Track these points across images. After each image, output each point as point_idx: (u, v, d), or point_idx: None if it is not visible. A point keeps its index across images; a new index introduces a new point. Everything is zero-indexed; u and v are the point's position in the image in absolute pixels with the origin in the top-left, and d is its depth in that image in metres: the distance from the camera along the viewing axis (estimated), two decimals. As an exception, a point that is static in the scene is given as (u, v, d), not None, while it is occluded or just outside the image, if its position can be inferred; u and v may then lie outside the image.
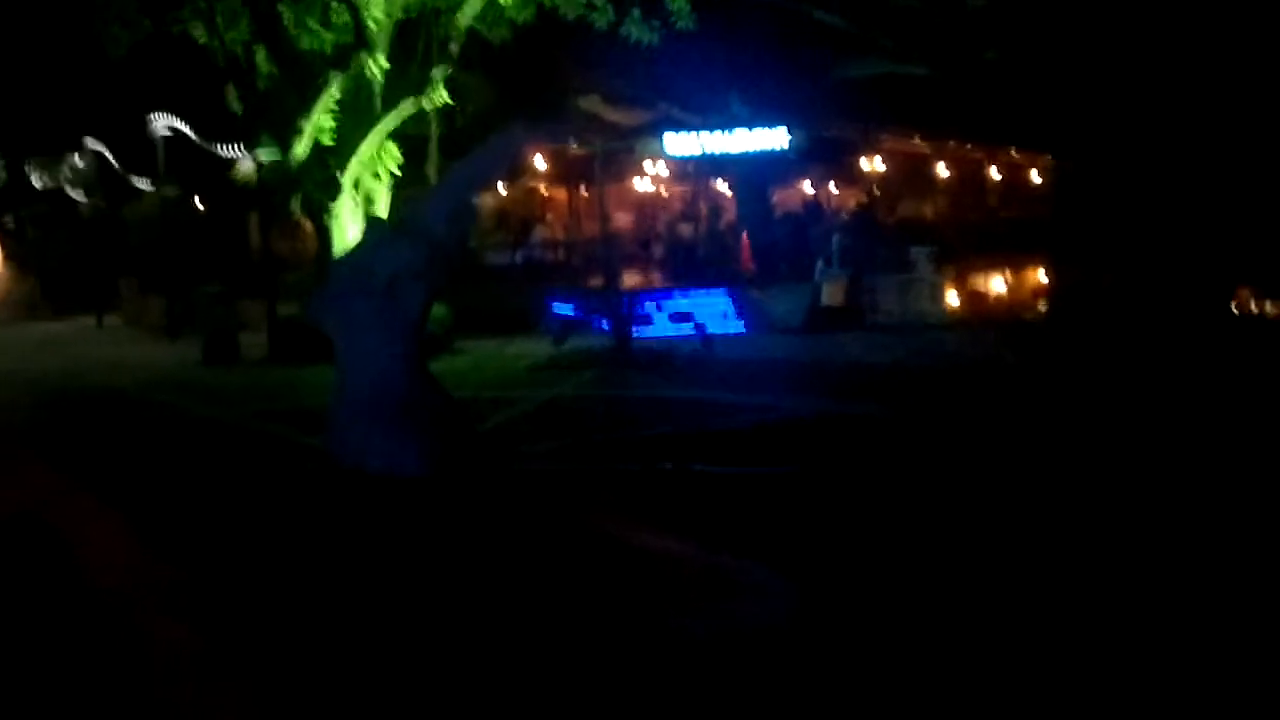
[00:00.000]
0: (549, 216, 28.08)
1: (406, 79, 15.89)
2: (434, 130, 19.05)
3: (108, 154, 29.38)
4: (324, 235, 16.79)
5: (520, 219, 27.22)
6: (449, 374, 10.05)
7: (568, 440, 9.78)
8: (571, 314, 17.94)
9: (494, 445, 9.61)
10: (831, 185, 27.70)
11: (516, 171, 23.70)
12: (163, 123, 27.69)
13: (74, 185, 29.89)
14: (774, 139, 21.56)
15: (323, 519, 7.35)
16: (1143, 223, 17.35)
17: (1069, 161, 19.73)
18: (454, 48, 15.67)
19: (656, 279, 22.92)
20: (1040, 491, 7.45)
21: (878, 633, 4.90)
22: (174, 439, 10.76)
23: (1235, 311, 18.37)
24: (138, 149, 28.71)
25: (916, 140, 26.02)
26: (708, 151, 22.31)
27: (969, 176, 29.10)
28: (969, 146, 27.50)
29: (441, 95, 15.67)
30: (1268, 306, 19.22)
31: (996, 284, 24.91)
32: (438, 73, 15.81)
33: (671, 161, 24.57)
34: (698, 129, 21.88)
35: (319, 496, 8.02)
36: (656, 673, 4.49)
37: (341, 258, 9.93)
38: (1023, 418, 10.15)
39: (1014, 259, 24.67)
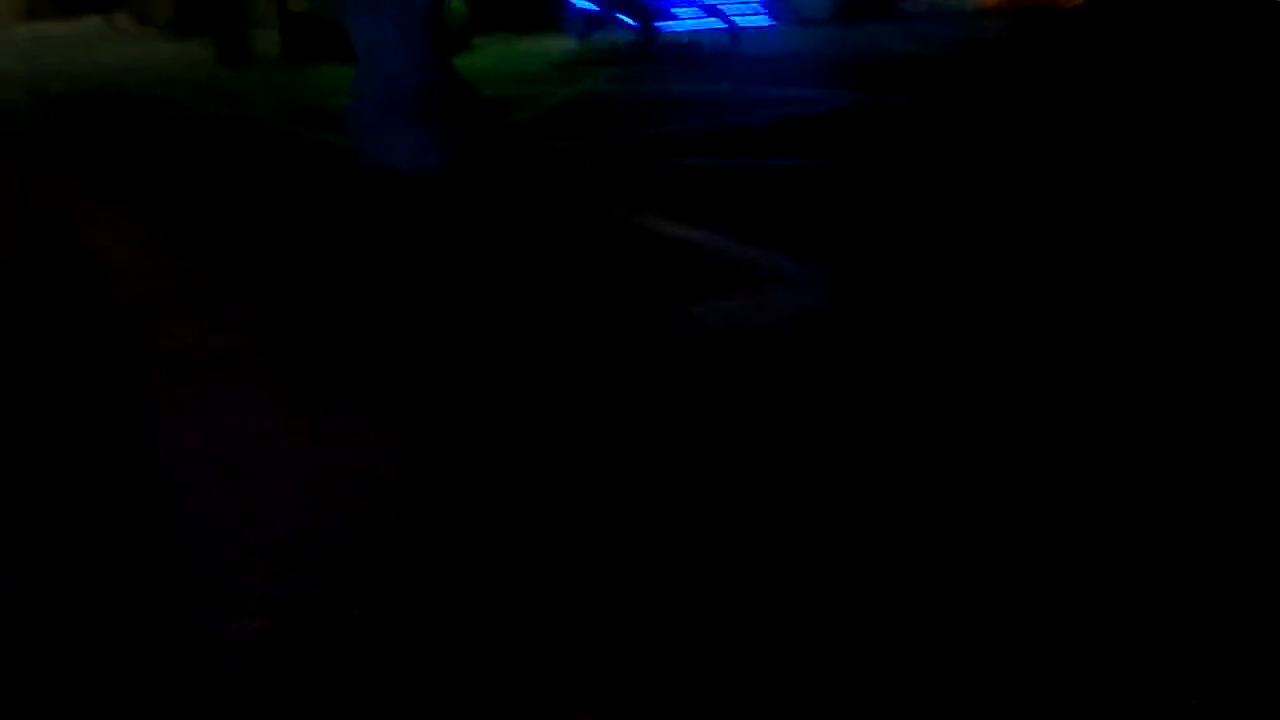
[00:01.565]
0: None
1: None
2: None
3: None
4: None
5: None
6: (468, 70, 9.67)
7: (592, 138, 9.50)
8: (594, 8, 17.27)
9: (518, 142, 9.38)
10: None
11: None
12: None
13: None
14: None
15: (343, 217, 7.21)
16: None
17: None
18: None
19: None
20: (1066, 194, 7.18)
21: (900, 326, 4.77)
22: (190, 140, 10.51)
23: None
24: None
25: None
26: None
27: None
28: None
29: None
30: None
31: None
32: None
33: None
34: None
35: (339, 194, 7.86)
36: (665, 360, 4.41)
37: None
38: (1055, 115, 9.67)
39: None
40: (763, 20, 18.62)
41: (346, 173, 8.34)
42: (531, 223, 6.76)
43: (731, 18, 16.99)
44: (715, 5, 17.77)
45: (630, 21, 16.18)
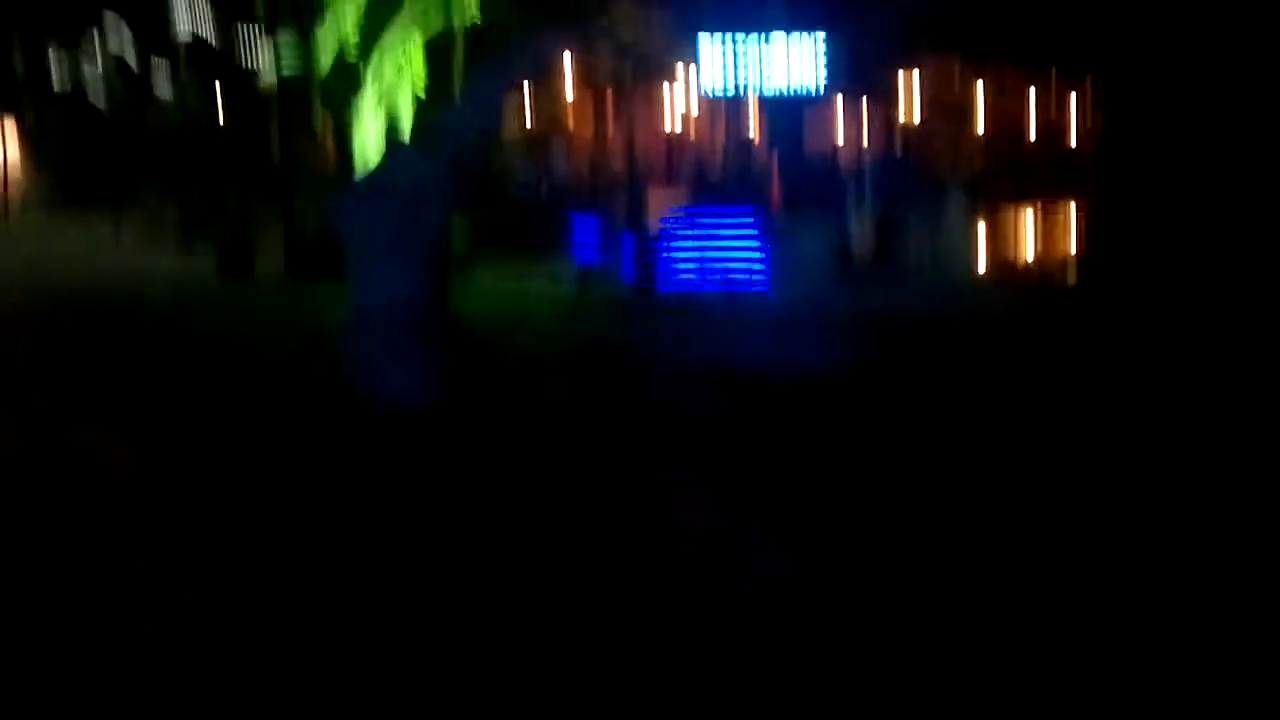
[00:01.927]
0: (575, 134, 27.33)
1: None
2: (460, 38, 18.27)
3: (129, 55, 28.78)
4: (344, 142, 16.17)
5: (545, 136, 26.49)
6: (466, 299, 9.55)
7: (577, 384, 9.27)
8: (596, 242, 17.37)
9: (508, 379, 9.13)
10: (866, 113, 26.79)
11: (542, 85, 22.95)
12: (186, 25, 26.98)
13: (95, 86, 29.37)
14: (810, 52, 20.62)
15: (323, 448, 6.89)
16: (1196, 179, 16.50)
17: (1119, 87, 18.78)
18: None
19: (683, 210, 22.23)
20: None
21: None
22: (182, 357, 10.28)
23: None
24: (160, 52, 28.07)
25: (958, 66, 24.99)
26: (742, 74, 21.48)
27: (1014, 108, 28.10)
28: (1025, 75, 26.37)
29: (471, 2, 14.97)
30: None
31: (1034, 228, 24.08)
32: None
33: (704, 78, 23.74)
34: (735, 39, 20.89)
35: (323, 425, 7.55)
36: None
37: (362, 168, 9.46)
38: (1047, 388, 9.47)
39: (1055, 201, 23.78)
40: (764, 267, 18.61)
41: (331, 402, 8.04)
42: (494, 471, 6.47)
43: (733, 267, 16.95)
44: (717, 252, 17.79)
45: (630, 257, 16.26)
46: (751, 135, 24.36)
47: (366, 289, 8.24)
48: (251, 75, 25.28)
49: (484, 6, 13.61)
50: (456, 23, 14.74)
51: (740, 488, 6.29)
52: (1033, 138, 28.48)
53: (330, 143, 19.62)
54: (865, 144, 25.02)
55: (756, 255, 18.68)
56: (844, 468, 6.80)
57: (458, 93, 9.95)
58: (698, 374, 9.59)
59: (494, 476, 6.38)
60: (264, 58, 21.82)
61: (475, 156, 8.51)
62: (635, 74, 22.57)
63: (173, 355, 10.49)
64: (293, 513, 5.74)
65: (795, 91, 21.91)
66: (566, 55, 21.06)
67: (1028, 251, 21.97)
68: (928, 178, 20.82)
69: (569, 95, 26.33)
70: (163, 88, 28.60)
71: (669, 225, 19.27)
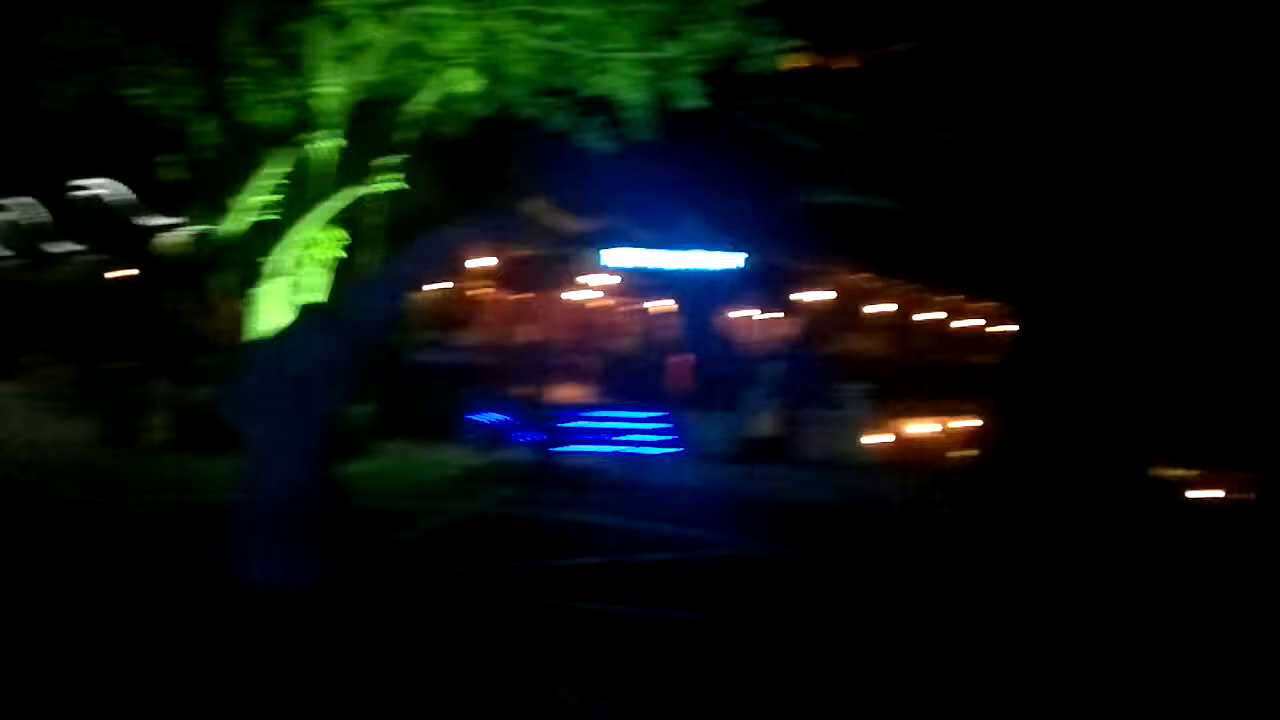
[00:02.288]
0: (483, 319, 27.34)
1: (354, 164, 15.13)
2: (375, 219, 18.25)
3: (28, 213, 28.34)
4: (245, 318, 15.87)
5: (452, 320, 26.44)
6: (363, 478, 9.26)
7: (474, 564, 8.99)
8: (498, 423, 17.17)
9: (400, 563, 8.80)
10: (775, 312, 27.35)
11: (452, 271, 22.97)
12: (88, 187, 26.72)
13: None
14: (725, 261, 21.21)
15: (199, 633, 6.46)
16: (1081, 384, 17.35)
17: (1022, 311, 19.59)
18: (407, 136, 15.01)
19: (588, 393, 22.22)
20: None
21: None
22: (53, 531, 9.74)
23: (1155, 478, 18.11)
24: (58, 211, 27.67)
25: (866, 275, 25.79)
26: (653, 268, 21.86)
27: (913, 316, 28.95)
28: (919, 286, 27.35)
29: (386, 184, 14.97)
30: (1183, 474, 19.02)
31: (928, 428, 24.56)
32: (386, 161, 15.08)
33: (615, 273, 24.06)
34: (647, 244, 21.43)
35: (197, 609, 7.11)
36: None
37: (261, 344, 9.18)
38: (938, 570, 9.77)
39: (949, 404, 24.33)
40: (666, 451, 18.65)
41: (207, 585, 7.61)
42: (379, 660, 6.14)
43: (634, 446, 16.98)
44: (619, 432, 17.79)
45: (533, 439, 16.08)
46: (662, 328, 24.67)
47: (255, 468, 7.91)
48: (152, 243, 24.93)
49: (399, 196, 13.61)
50: (370, 208, 14.71)
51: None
52: (934, 346, 29.43)
53: (229, 318, 19.31)
54: (775, 342, 25.48)
55: (660, 438, 18.70)
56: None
57: (366, 277, 9.83)
58: (580, 557, 9.47)
59: (343, 664, 6.05)
60: (170, 226, 21.56)
61: (378, 340, 8.30)
62: (550, 264, 22.81)
63: (47, 523, 9.97)
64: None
65: (709, 291, 22.40)
66: (481, 244, 21.12)
67: (920, 447, 22.37)
68: (833, 376, 21.27)
69: (482, 281, 26.51)
70: (58, 248, 28.19)
71: (577, 406, 19.25)
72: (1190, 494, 17.02)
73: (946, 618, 8.04)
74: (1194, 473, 17.59)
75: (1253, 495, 16.55)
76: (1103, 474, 16.33)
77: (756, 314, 26.50)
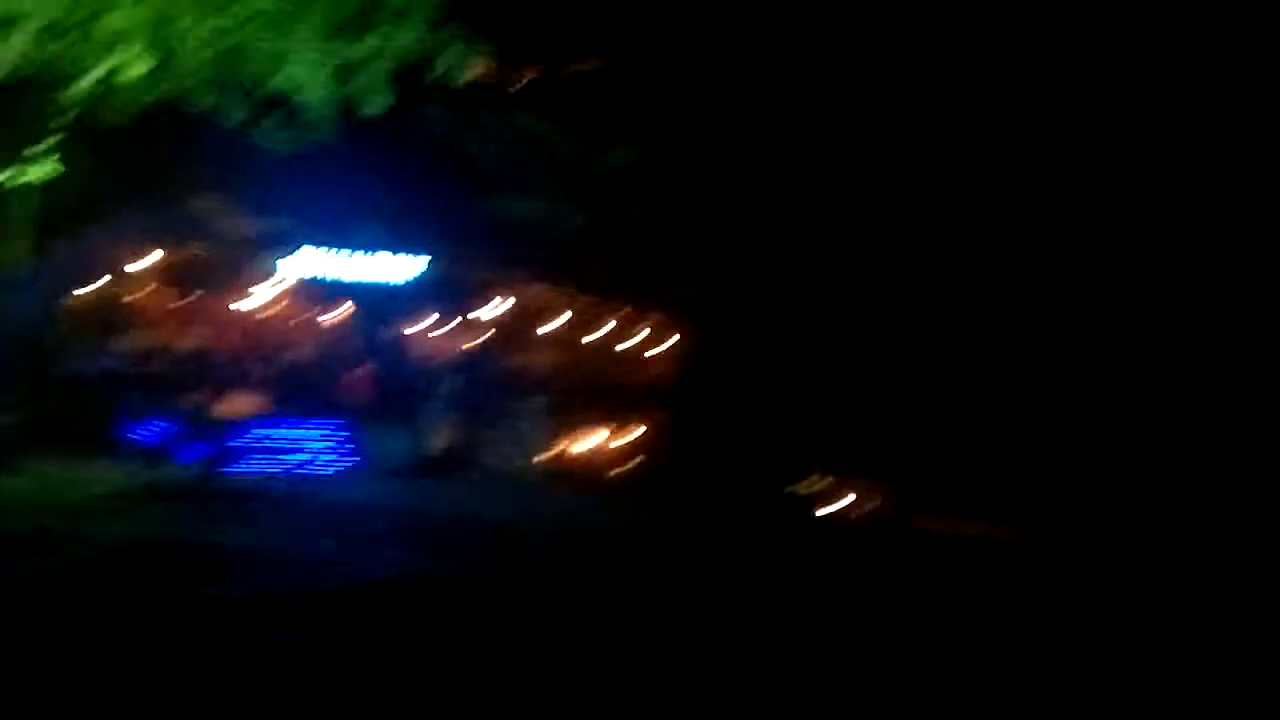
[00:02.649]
0: (146, 324, 25.68)
1: (6, 147, 13.86)
2: (24, 210, 16.82)
3: None
4: None
5: (112, 324, 24.70)
6: (6, 497, 8.38)
7: (121, 595, 8.35)
8: (161, 437, 16.16)
9: (40, 594, 8.03)
10: (456, 323, 27.06)
11: (113, 270, 21.48)
12: None
13: None
14: (408, 269, 20.84)
15: None
16: (737, 398, 18.15)
17: (688, 326, 20.28)
18: (63, 121, 13.88)
19: (260, 405, 21.27)
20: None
21: None
22: None
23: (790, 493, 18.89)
24: None
25: (545, 287, 25.85)
26: (331, 274, 21.19)
27: (590, 329, 29.25)
28: (596, 299, 27.65)
29: (38, 171, 13.80)
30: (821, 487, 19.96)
31: (600, 442, 24.96)
32: (42, 146, 13.90)
33: (291, 279, 23.12)
34: (326, 248, 20.76)
35: None
36: None
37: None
38: (590, 589, 9.91)
39: (622, 418, 24.79)
40: (342, 465, 18.07)
41: None
42: None
43: (308, 461, 16.39)
44: (292, 446, 17.13)
45: (198, 453, 15.26)
46: (340, 337, 23.89)
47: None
48: None
49: (54, 186, 12.42)
50: (19, 197, 13.34)
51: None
52: (611, 358, 29.88)
53: None
54: (455, 354, 25.16)
55: (336, 452, 18.13)
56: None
57: (13, 273, 8.96)
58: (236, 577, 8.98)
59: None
60: None
61: (26, 342, 7.53)
62: (221, 267, 21.65)
63: None
64: None
65: (389, 300, 21.89)
66: (146, 242, 19.84)
67: (591, 461, 22.74)
68: (510, 387, 21.32)
69: (147, 282, 24.88)
70: None
71: (247, 419, 18.36)
72: (824, 508, 17.94)
73: (584, 639, 8.09)
74: (829, 483, 18.59)
75: (885, 505, 17.61)
76: (742, 489, 17.11)
77: (436, 325, 26.18)
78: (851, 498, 17.85)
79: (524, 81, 18.19)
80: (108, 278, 22.56)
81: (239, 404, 20.26)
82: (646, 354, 28.40)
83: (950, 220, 17.99)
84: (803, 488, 18.81)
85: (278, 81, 10.75)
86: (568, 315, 27.60)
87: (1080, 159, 17.94)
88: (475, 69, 13.29)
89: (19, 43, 10.02)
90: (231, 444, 16.09)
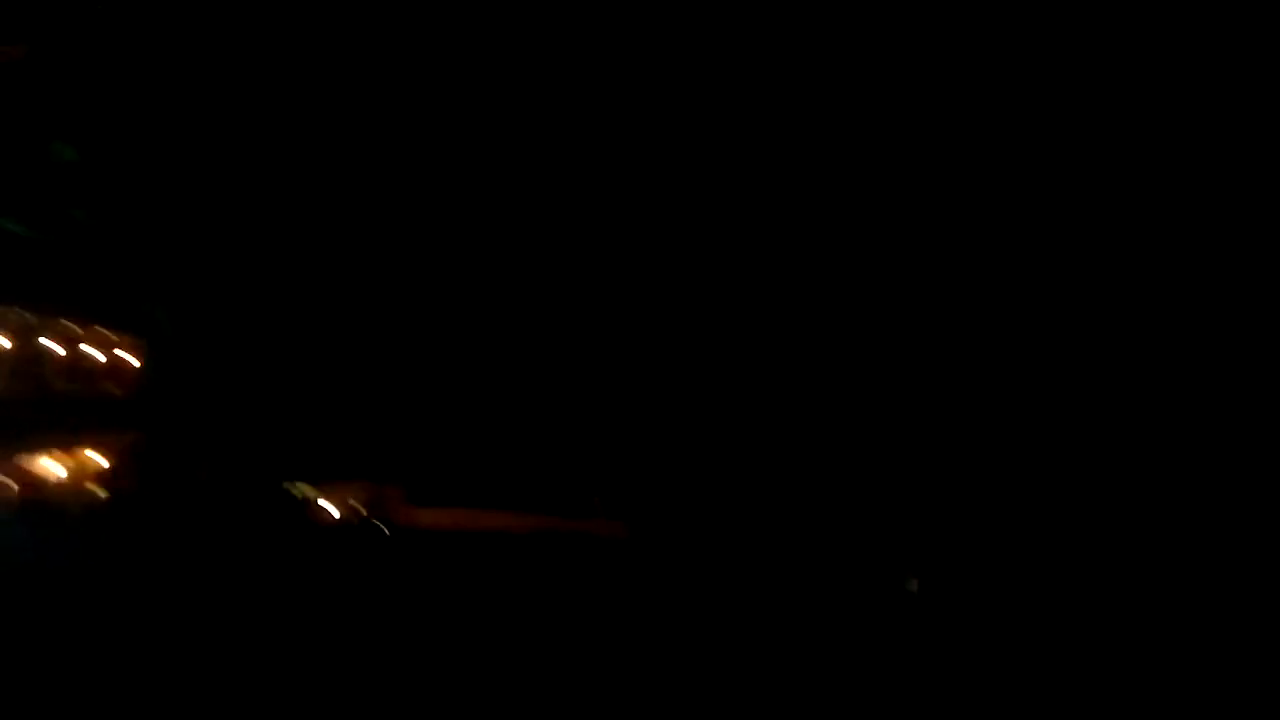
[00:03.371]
0: None
1: None
2: None
3: None
4: None
5: None
6: None
7: None
8: None
9: None
10: None
11: None
12: None
13: None
14: None
15: None
16: (213, 410, 17.73)
17: (160, 341, 19.30)
18: None
19: None
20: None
21: None
22: None
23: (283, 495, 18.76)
24: None
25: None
26: None
27: (41, 346, 27.12)
28: (47, 314, 25.73)
29: None
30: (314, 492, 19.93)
31: (59, 466, 23.41)
32: None
33: None
34: None
35: None
36: None
37: None
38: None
39: (83, 438, 23.34)
40: None
41: None
42: None
43: None
44: None
45: None
46: None
47: None
48: None
49: None
50: None
51: None
52: (68, 378, 27.79)
53: None
54: None
55: None
56: None
57: None
58: None
59: None
60: None
61: None
62: None
63: None
64: None
65: None
66: None
67: (51, 487, 21.31)
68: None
69: None
70: None
71: None
72: (314, 513, 17.77)
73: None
74: (318, 489, 18.26)
75: (378, 503, 17.61)
76: (234, 496, 16.66)
77: None
78: (341, 500, 17.70)
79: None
80: None
81: None
82: (106, 374, 26.65)
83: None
84: (294, 494, 18.32)
85: None
86: (12, 331, 25.28)
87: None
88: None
89: None
90: None
